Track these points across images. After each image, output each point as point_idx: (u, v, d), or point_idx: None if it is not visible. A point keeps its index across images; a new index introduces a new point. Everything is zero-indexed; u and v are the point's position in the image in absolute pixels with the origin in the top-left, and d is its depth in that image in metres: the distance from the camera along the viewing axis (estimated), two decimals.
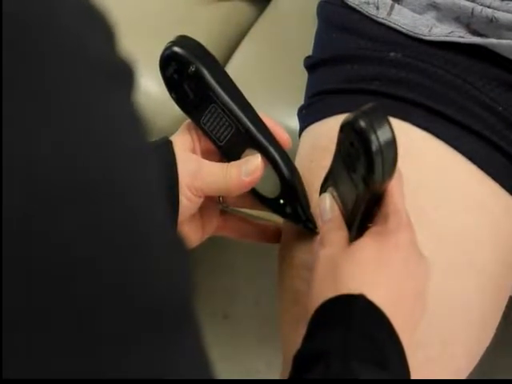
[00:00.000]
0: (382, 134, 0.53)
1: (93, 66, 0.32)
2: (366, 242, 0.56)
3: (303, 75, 0.83)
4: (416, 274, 0.57)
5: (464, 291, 0.67)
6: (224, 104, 0.65)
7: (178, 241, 0.36)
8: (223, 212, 0.71)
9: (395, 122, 0.70)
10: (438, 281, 0.64)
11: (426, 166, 0.69)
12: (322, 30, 0.83)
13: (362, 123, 0.53)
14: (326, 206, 0.61)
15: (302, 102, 0.81)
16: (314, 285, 0.57)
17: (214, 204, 0.69)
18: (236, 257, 1.49)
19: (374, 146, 0.52)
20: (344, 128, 0.56)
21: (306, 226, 0.67)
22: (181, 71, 0.65)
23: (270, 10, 1.19)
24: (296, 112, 0.81)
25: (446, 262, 0.67)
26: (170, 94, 0.66)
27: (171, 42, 0.65)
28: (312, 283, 0.57)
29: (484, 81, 0.72)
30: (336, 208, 0.60)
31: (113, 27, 0.34)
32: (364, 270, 0.55)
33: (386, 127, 0.53)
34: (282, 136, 0.66)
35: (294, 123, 0.83)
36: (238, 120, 0.65)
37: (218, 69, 0.66)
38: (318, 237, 0.62)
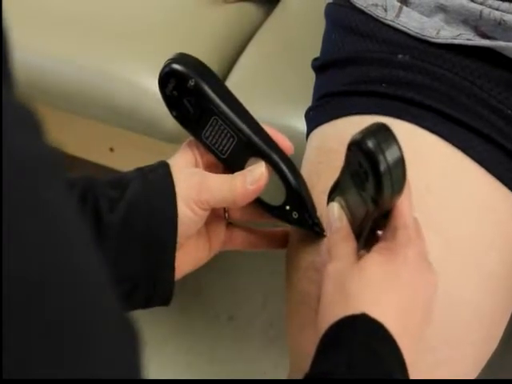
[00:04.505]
0: (390, 155, 0.53)
1: (19, 163, 0.32)
2: (375, 258, 0.56)
3: (311, 77, 0.83)
4: (424, 287, 0.57)
5: (474, 294, 0.67)
6: (224, 115, 0.65)
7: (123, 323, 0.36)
8: (229, 225, 0.71)
9: (402, 125, 0.71)
10: (447, 285, 0.64)
11: (434, 168, 0.69)
12: (329, 32, 0.83)
13: (370, 144, 0.53)
14: (334, 216, 0.61)
15: (309, 103, 0.81)
16: (324, 299, 0.57)
17: (220, 219, 0.69)
18: (242, 257, 1.49)
19: (383, 167, 0.52)
20: (352, 147, 0.55)
21: (313, 230, 0.67)
22: (180, 87, 0.65)
23: (278, 12, 1.20)
24: (303, 113, 0.81)
25: (455, 265, 0.67)
26: (171, 112, 0.67)
27: (170, 59, 0.66)
28: (322, 297, 0.57)
29: (492, 83, 0.72)
30: (344, 218, 0.60)
31: (39, 120, 0.35)
32: (372, 286, 0.55)
33: (394, 147, 0.53)
34: (284, 142, 0.66)
35: (302, 125, 0.83)
36: (240, 130, 0.65)
37: (216, 82, 0.67)
38: (325, 240, 0.62)
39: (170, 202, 0.62)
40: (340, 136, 0.72)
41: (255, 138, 0.65)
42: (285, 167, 0.65)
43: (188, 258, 0.66)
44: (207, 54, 1.13)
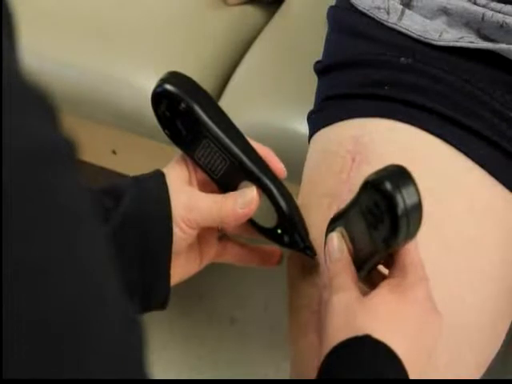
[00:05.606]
0: (409, 199, 0.52)
1: (22, 151, 0.32)
2: (386, 296, 0.56)
3: (313, 80, 0.83)
4: (430, 330, 0.56)
5: (475, 297, 0.67)
6: (216, 138, 0.64)
7: (130, 318, 0.36)
8: (222, 238, 0.70)
9: (405, 127, 0.71)
10: (447, 288, 0.64)
11: (435, 171, 0.69)
12: (331, 35, 0.83)
13: (389, 186, 0.52)
14: (334, 246, 0.60)
15: (311, 106, 0.81)
16: (330, 332, 0.56)
17: (213, 232, 0.69)
18: None
19: (400, 211, 0.52)
20: (368, 185, 0.55)
21: (304, 253, 0.66)
22: (172, 108, 0.64)
23: (280, 15, 1.20)
24: (306, 116, 0.81)
25: (456, 268, 0.67)
26: (163, 130, 0.66)
27: (162, 79, 0.65)
28: (327, 329, 0.56)
29: (494, 86, 0.72)
30: (345, 249, 0.59)
31: (53, 106, 0.34)
32: (382, 324, 0.54)
33: (413, 191, 0.53)
34: (277, 166, 0.66)
35: (304, 127, 0.83)
36: (231, 154, 0.64)
37: (209, 103, 0.66)
38: (325, 270, 0.61)
39: (165, 211, 0.62)
40: (342, 139, 0.72)
41: (247, 162, 0.65)
42: (276, 193, 0.64)
43: (178, 270, 0.66)
44: (209, 56, 1.13)
